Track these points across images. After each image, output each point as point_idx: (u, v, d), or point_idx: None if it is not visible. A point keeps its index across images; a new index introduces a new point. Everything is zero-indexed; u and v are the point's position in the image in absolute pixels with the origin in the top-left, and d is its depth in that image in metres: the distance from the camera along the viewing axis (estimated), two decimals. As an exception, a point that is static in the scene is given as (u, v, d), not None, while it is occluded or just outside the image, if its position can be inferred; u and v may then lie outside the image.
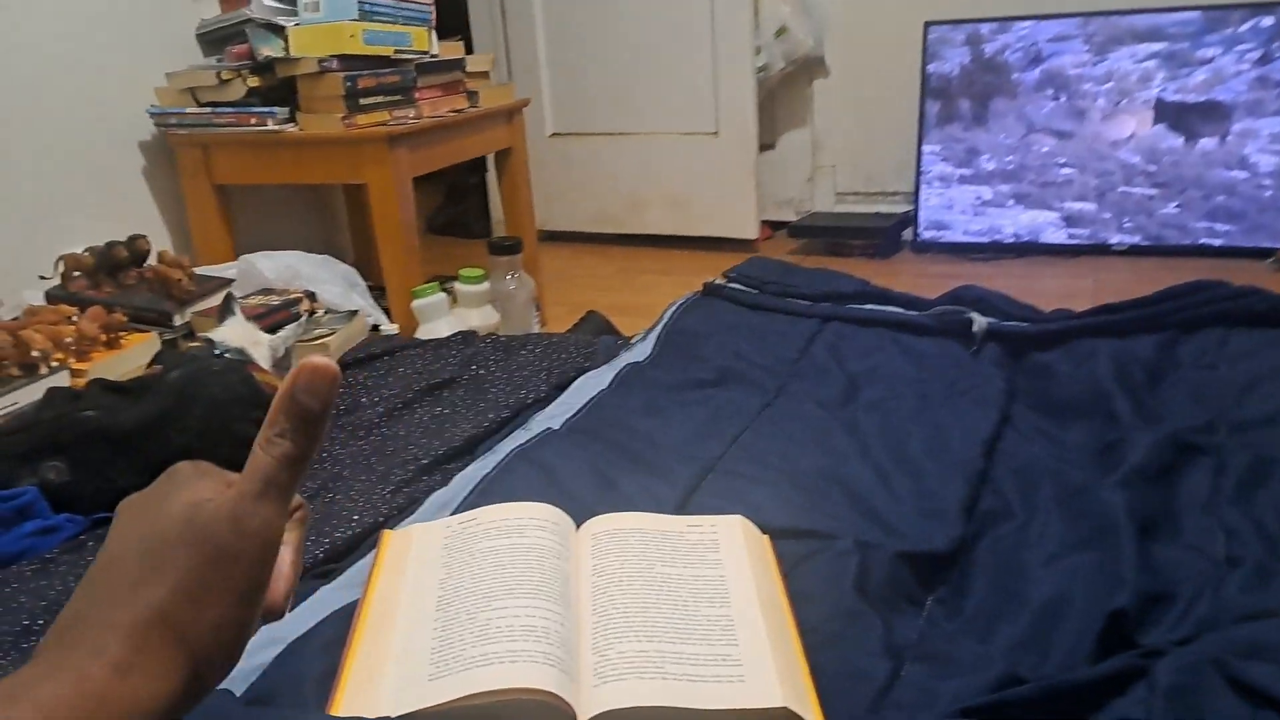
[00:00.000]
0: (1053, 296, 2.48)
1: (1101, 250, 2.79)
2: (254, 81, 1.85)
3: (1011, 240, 2.89)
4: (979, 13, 2.86)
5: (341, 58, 1.83)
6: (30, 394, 1.40)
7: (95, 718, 0.36)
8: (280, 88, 1.87)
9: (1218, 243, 2.68)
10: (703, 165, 3.12)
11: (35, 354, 1.42)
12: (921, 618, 0.84)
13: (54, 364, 1.45)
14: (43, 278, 1.74)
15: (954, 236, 2.97)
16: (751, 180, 3.08)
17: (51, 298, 1.70)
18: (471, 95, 2.15)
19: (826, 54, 3.18)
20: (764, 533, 0.89)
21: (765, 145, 3.26)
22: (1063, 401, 1.17)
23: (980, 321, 1.30)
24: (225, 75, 1.84)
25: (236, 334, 1.28)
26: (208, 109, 1.88)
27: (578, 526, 0.87)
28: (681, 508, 0.94)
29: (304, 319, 1.35)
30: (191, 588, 0.39)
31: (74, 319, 1.57)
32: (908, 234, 3.06)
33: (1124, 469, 0.96)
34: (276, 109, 1.84)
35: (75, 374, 1.47)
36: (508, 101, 2.27)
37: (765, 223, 3.27)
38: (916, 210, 3.01)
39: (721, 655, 0.72)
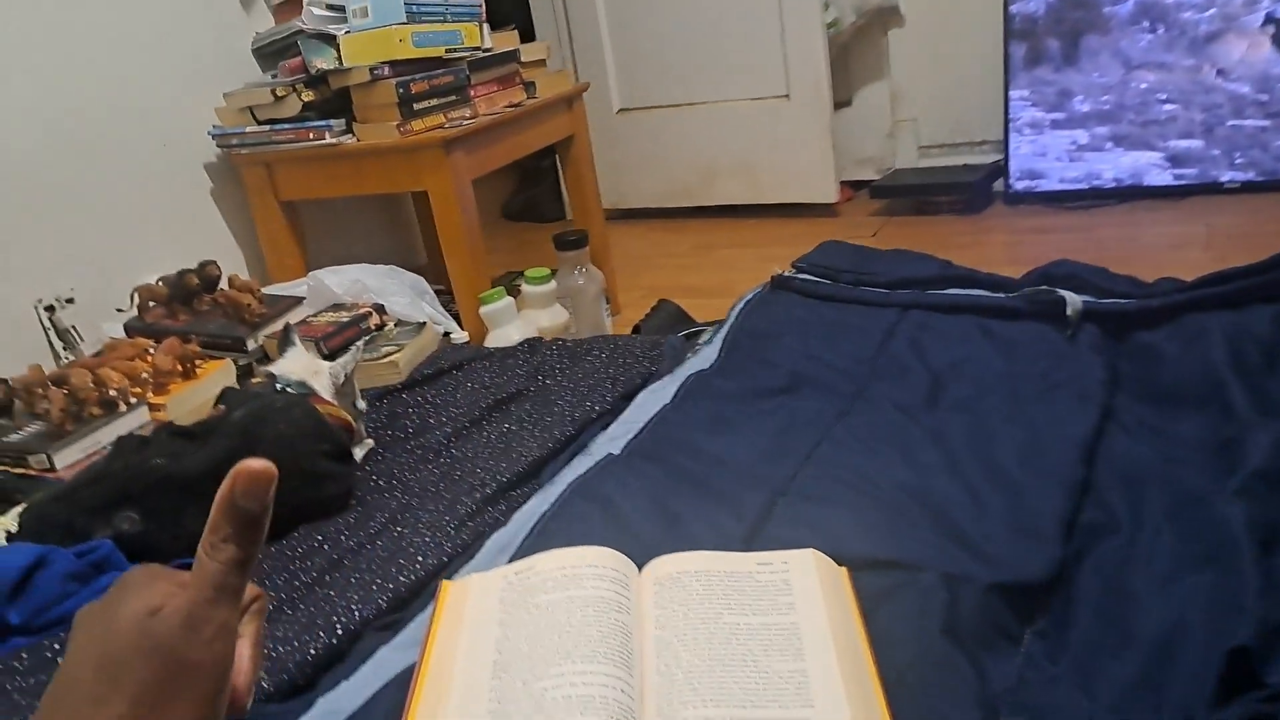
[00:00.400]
0: (1162, 247, 2.33)
1: (1212, 189, 2.60)
2: (309, 95, 1.83)
3: (1112, 186, 2.72)
4: (1063, -56, 2.68)
5: (393, 64, 1.79)
6: (112, 432, 1.42)
7: None
8: (336, 99, 1.85)
9: (1343, 174, 2.47)
10: (775, 130, 3.01)
11: (113, 392, 1.44)
12: (1019, 656, 0.78)
13: (132, 400, 1.46)
14: (119, 310, 1.76)
15: (1049, 185, 2.80)
16: (828, 141, 2.97)
17: (130, 330, 1.73)
18: (529, 86, 2.09)
19: (901, 1, 3.02)
20: (840, 564, 0.83)
21: (841, 103, 3.13)
22: (1171, 389, 1.07)
23: (1075, 301, 1.20)
24: (280, 91, 1.83)
25: (297, 366, 1.27)
26: (266, 126, 1.88)
27: (639, 568, 0.83)
28: (750, 541, 0.88)
29: (360, 346, 1.32)
30: (151, 700, 0.39)
31: (150, 351, 1.59)
32: (999, 185, 2.91)
33: (1242, 474, 0.87)
34: (333, 121, 1.82)
35: (154, 408, 1.49)
36: (566, 88, 2.21)
37: (845, 184, 3.15)
38: (1007, 159, 2.85)
39: None
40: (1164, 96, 2.62)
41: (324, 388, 1.26)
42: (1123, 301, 1.23)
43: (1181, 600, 0.78)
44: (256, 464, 0.42)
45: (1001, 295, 1.27)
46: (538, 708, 0.67)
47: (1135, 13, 2.60)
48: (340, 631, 0.91)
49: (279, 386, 1.24)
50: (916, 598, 0.79)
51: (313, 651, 0.89)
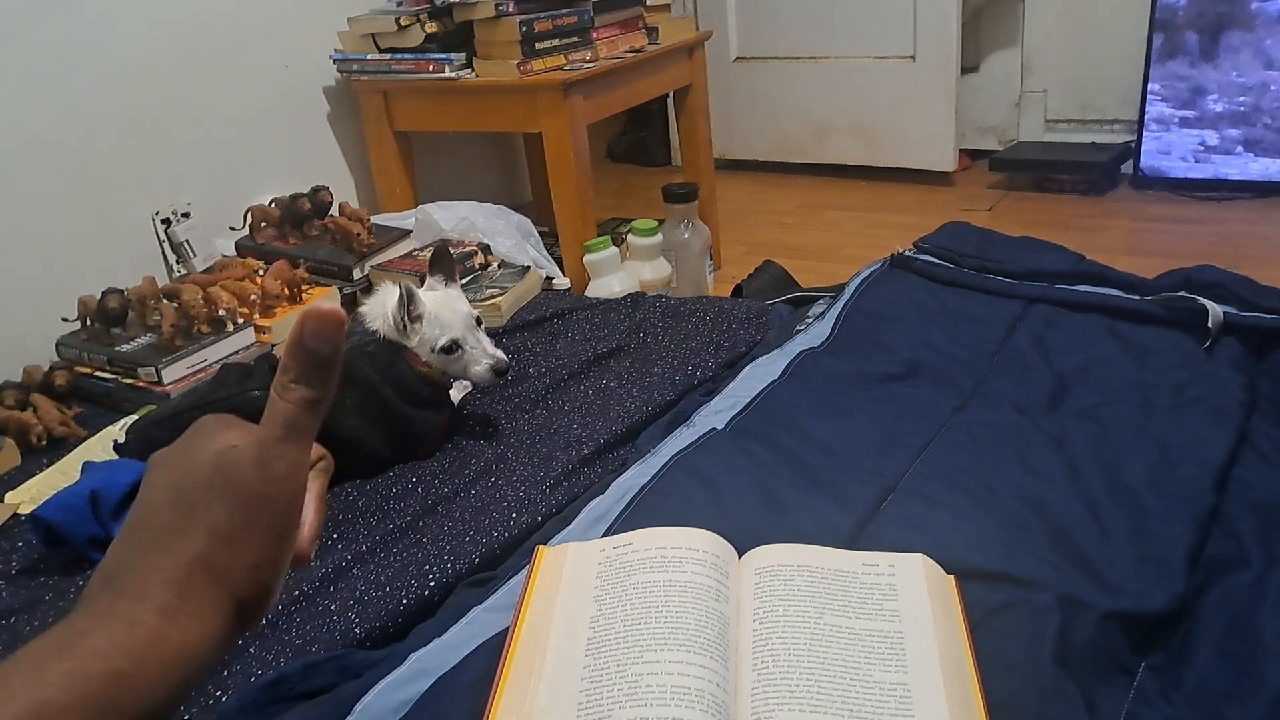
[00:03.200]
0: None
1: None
2: (432, 27, 1.81)
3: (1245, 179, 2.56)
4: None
5: (518, 0, 1.76)
6: (218, 351, 1.45)
7: (149, 660, 0.38)
8: (458, 32, 1.83)
9: None
10: (897, 91, 2.90)
11: (222, 312, 1.46)
12: (1130, 692, 0.74)
13: (240, 320, 1.49)
14: (233, 229, 1.79)
15: (1179, 172, 2.65)
16: (951, 107, 2.85)
17: (241, 249, 1.75)
18: (651, 31, 2.04)
19: (1042, -34, 2.87)
20: (949, 573, 0.80)
21: (968, 67, 3.00)
22: (1316, 417, 1.00)
23: (1216, 312, 1.13)
24: (404, 20, 1.81)
25: (378, 309, 1.24)
26: (388, 55, 1.87)
27: (739, 554, 0.81)
28: (856, 537, 0.85)
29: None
30: (227, 532, 0.41)
31: (260, 272, 1.61)
32: (1126, 167, 2.76)
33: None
34: (454, 55, 1.80)
35: (260, 330, 1.51)
36: (689, 36, 2.15)
37: (964, 152, 3.03)
38: (1139, 140, 2.70)
39: (896, 735, 0.65)
40: (1308, 102, 2.45)
41: (390, 333, 1.22)
42: (1267, 316, 1.15)
43: (1316, 652, 0.73)
44: (325, 305, 0.43)
45: (1136, 298, 1.20)
46: (631, 693, 0.66)
47: (1288, 8, 2.42)
48: (432, 583, 0.92)
49: (373, 328, 1.22)
50: (1029, 618, 0.75)
51: (405, 601, 0.90)
